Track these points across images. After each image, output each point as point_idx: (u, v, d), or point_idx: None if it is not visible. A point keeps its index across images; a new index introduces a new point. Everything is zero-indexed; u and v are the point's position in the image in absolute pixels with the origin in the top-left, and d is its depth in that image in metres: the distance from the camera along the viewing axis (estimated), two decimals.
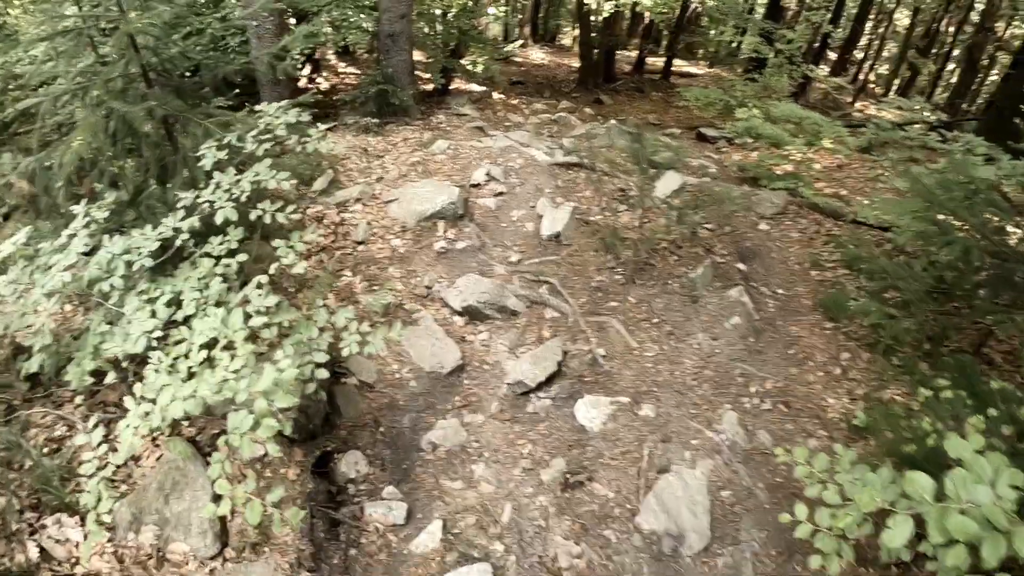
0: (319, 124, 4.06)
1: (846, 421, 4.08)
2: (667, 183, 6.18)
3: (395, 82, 7.70)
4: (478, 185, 6.20)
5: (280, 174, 3.55)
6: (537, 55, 14.50)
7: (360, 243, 5.36)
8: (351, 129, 7.59)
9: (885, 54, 15.90)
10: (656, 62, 14.39)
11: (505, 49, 10.76)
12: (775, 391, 4.22)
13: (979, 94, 15.01)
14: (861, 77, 14.50)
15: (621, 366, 4.09)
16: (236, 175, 3.46)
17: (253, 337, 3.32)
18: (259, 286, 3.32)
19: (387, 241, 5.39)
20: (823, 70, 8.89)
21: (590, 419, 3.68)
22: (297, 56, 7.20)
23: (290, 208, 3.40)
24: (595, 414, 3.69)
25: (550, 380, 4.10)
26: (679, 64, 14.57)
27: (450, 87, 9.05)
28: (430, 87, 9.23)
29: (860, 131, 7.12)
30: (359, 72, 9.94)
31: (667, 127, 9.10)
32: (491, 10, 12.05)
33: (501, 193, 6.14)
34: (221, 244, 3.39)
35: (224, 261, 3.31)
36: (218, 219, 3.18)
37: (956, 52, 15.71)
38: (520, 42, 14.53)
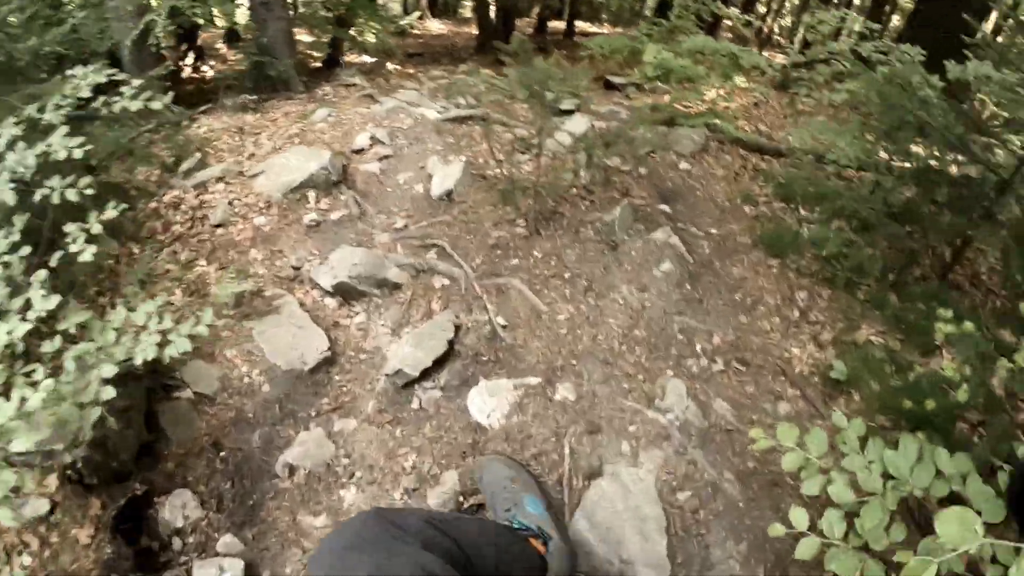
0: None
1: (819, 374, 3.28)
2: (573, 126, 5.30)
3: (272, 53, 6.58)
4: (361, 151, 5.19)
5: (74, 141, 2.58)
6: (436, 27, 13.41)
7: (218, 226, 4.28)
8: (228, 110, 6.44)
9: (787, 4, 15.43)
10: (558, 25, 13.57)
11: (402, 22, 9.68)
12: (725, 346, 3.38)
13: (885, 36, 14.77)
14: (765, 28, 13.99)
15: (527, 336, 3.17)
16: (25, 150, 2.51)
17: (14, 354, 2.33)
18: (43, 284, 2.35)
19: (249, 220, 4.32)
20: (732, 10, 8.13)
21: (487, 412, 2.74)
22: (160, 35, 6.02)
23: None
24: (494, 405, 2.75)
25: (439, 364, 3.14)
26: (582, 26, 13.77)
27: (339, 60, 7.94)
28: (319, 65, 8.10)
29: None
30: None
31: (569, 81, 8.24)
32: None
33: (387, 156, 5.14)
34: (5, 238, 2.42)
35: (5, 259, 2.39)
36: None
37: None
38: (418, 14, 13.44)
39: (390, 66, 8.13)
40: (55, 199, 2.55)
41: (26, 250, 2.45)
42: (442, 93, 7.01)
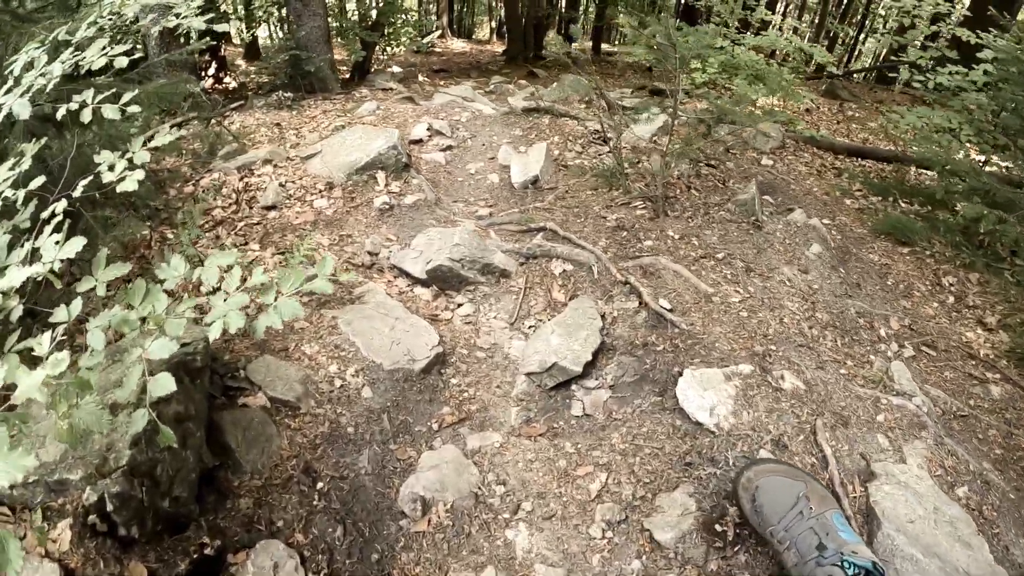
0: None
1: (1005, 355, 2.47)
2: (648, 124, 4.49)
3: (308, 50, 5.63)
4: (420, 141, 4.25)
5: (117, 48, 1.55)
6: (458, 45, 12.64)
7: (270, 208, 3.27)
8: (261, 108, 5.43)
9: (803, 24, 14.83)
10: (583, 48, 12.94)
11: (424, 40, 8.86)
12: (906, 332, 2.54)
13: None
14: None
15: (705, 322, 2.24)
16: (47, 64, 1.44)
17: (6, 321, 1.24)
18: (54, 224, 1.26)
19: (308, 203, 3.32)
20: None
21: (709, 408, 1.77)
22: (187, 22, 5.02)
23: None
24: (714, 399, 1.79)
25: (595, 358, 2.18)
26: (604, 47, 13.16)
27: (370, 68, 7.01)
28: (348, 76, 7.17)
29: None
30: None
31: (615, 91, 7.50)
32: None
33: (449, 147, 4.21)
34: (11, 169, 1.32)
35: (6, 193, 1.42)
36: None
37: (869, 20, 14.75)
38: (438, 32, 12.65)
39: (421, 78, 7.26)
40: (86, 116, 1.53)
41: (39, 180, 1.44)
42: (493, 95, 6.16)
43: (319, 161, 3.61)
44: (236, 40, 9.48)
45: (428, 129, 4.38)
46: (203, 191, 3.46)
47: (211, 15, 2.09)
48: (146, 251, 3.00)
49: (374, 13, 6.88)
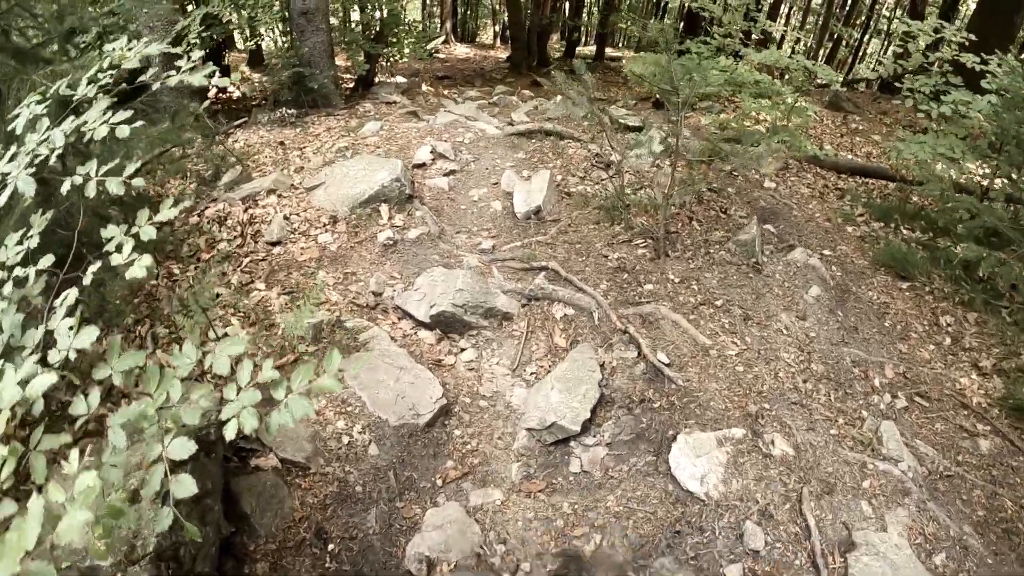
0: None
1: (996, 403, 2.53)
2: (650, 145, 4.52)
3: (311, 66, 5.65)
4: (423, 165, 4.29)
5: (118, 116, 1.60)
6: (461, 50, 12.57)
7: (275, 244, 3.34)
8: (265, 125, 5.47)
9: (808, 27, 14.52)
10: (584, 49, 12.81)
11: (428, 46, 8.82)
12: (900, 380, 2.60)
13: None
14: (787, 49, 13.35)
15: (702, 377, 2.31)
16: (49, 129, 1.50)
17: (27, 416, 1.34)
18: (69, 311, 1.36)
19: (312, 238, 3.39)
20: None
21: (700, 476, 1.86)
22: (195, 40, 5.04)
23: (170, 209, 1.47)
24: (706, 467, 1.87)
25: (593, 414, 2.25)
26: (607, 51, 13.05)
27: (374, 79, 7.02)
28: (352, 86, 7.17)
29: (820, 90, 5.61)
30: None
31: (618, 101, 7.48)
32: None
33: (453, 171, 4.26)
34: (18, 244, 1.39)
35: (18, 272, 1.49)
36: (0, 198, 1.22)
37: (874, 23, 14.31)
38: (442, 38, 12.56)
39: (424, 87, 7.27)
40: (90, 190, 1.58)
41: (48, 259, 1.50)
42: (487, 112, 6.18)
43: (323, 192, 3.67)
44: (240, 46, 9.48)
45: (431, 152, 4.42)
46: (207, 222, 3.54)
47: (211, 69, 2.13)
48: (153, 287, 3.09)
49: (378, 25, 6.84)
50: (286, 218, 3.47)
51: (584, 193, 3.86)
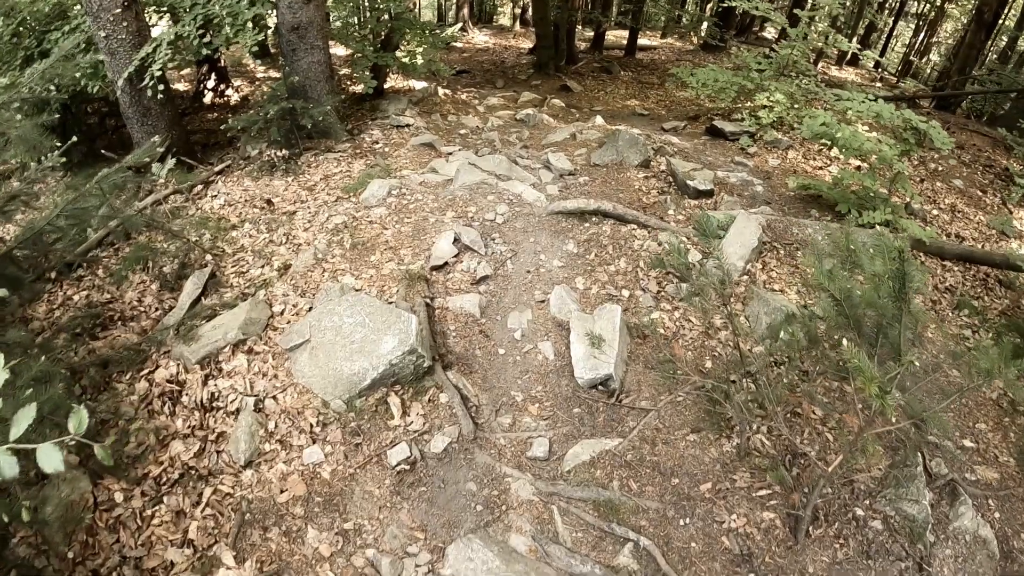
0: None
1: None
2: (738, 237, 3.30)
3: (306, 94, 4.45)
4: (444, 266, 3.24)
5: None
6: (480, 38, 10.75)
7: (245, 466, 2.35)
8: (253, 167, 4.37)
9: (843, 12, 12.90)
10: (613, 36, 10.97)
11: (444, 35, 7.32)
12: None
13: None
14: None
15: None
16: None
17: None
18: None
19: (295, 452, 2.40)
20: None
21: None
22: (157, 72, 3.85)
23: None
24: None
25: None
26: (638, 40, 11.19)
27: (384, 88, 5.71)
28: (358, 88, 5.88)
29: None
30: (280, 77, 6.35)
31: (661, 119, 6.08)
32: None
33: (484, 278, 3.20)
34: None
35: None
36: None
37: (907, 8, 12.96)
38: (459, 25, 10.79)
39: (441, 92, 5.95)
40: None
41: None
42: (515, 136, 4.91)
43: (307, 359, 2.63)
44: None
45: (455, 242, 3.33)
46: (157, 398, 2.57)
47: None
48: (95, 519, 2.17)
49: (385, 30, 5.46)
50: (258, 407, 2.50)
51: (664, 337, 2.77)
